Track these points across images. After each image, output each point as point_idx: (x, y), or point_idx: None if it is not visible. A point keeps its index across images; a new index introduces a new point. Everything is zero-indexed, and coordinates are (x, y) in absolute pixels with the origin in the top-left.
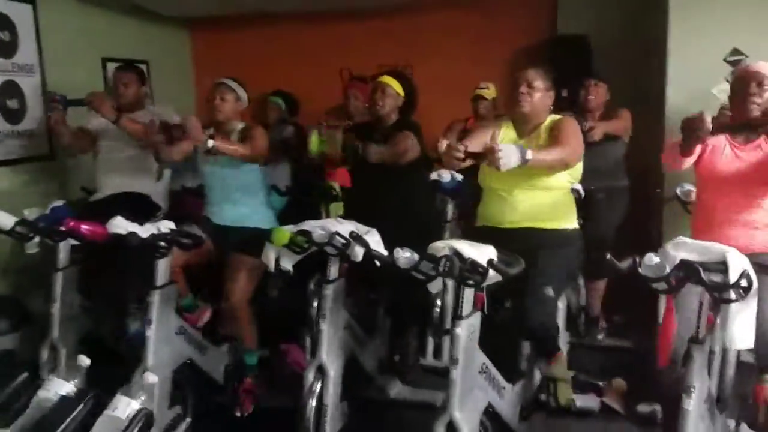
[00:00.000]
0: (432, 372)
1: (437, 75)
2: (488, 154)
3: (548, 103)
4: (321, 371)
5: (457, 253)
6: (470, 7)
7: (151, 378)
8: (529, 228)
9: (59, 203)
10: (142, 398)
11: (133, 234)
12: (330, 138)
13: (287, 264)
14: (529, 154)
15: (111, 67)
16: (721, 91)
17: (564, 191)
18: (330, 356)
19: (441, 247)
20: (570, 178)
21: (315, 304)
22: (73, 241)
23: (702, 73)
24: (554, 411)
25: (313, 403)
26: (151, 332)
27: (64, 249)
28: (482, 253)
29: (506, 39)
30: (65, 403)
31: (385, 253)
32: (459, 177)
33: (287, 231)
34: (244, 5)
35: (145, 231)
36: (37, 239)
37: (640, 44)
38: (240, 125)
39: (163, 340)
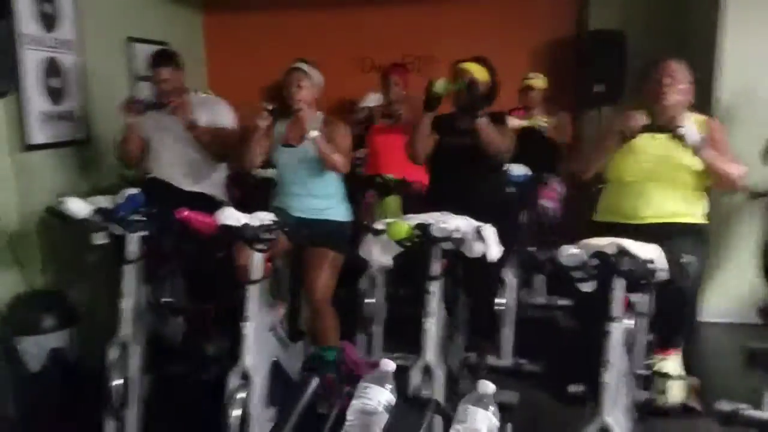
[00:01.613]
0: (496, 371)
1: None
2: (672, 125)
3: (689, 98)
4: (428, 371)
5: (624, 251)
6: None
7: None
8: (664, 223)
9: (134, 191)
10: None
11: (246, 225)
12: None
13: (386, 258)
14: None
15: (137, 47)
16: None
17: (698, 189)
18: (434, 356)
19: (603, 244)
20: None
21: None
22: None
23: (752, 72)
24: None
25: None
26: (248, 329)
27: (134, 241)
28: (648, 251)
29: (532, 31)
30: None
31: (500, 248)
32: (528, 171)
33: (405, 224)
34: None
35: (252, 222)
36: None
37: (673, 40)
38: (320, 116)
39: (258, 338)
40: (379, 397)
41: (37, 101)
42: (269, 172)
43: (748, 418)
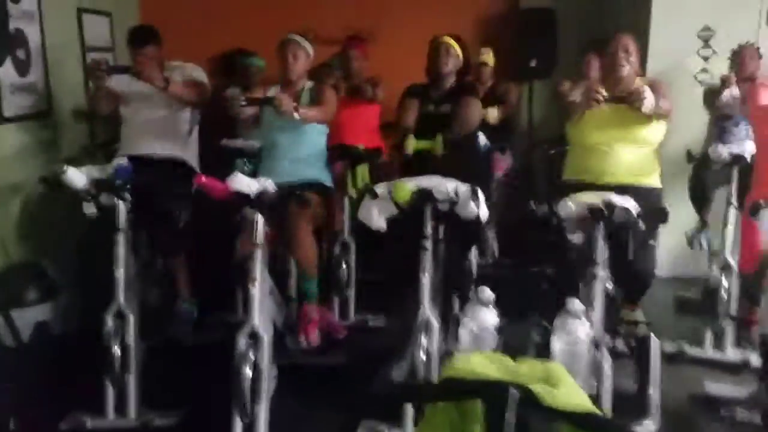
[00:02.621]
0: None
1: (400, 41)
2: (634, 95)
3: (637, 68)
4: (428, 326)
5: (610, 204)
6: None
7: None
8: (628, 184)
9: (123, 161)
10: None
11: (265, 191)
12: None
13: (381, 222)
14: (660, 101)
15: (86, 17)
16: (695, 64)
17: (655, 148)
18: (431, 309)
19: (589, 199)
20: (661, 135)
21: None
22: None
23: (679, 47)
24: None
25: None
26: (255, 290)
27: (124, 210)
28: (627, 202)
29: (469, 8)
30: None
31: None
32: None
33: (408, 185)
34: None
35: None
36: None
37: (601, 19)
38: (309, 84)
39: (263, 299)
40: (488, 317)
41: (8, 73)
42: (238, 143)
43: (692, 356)
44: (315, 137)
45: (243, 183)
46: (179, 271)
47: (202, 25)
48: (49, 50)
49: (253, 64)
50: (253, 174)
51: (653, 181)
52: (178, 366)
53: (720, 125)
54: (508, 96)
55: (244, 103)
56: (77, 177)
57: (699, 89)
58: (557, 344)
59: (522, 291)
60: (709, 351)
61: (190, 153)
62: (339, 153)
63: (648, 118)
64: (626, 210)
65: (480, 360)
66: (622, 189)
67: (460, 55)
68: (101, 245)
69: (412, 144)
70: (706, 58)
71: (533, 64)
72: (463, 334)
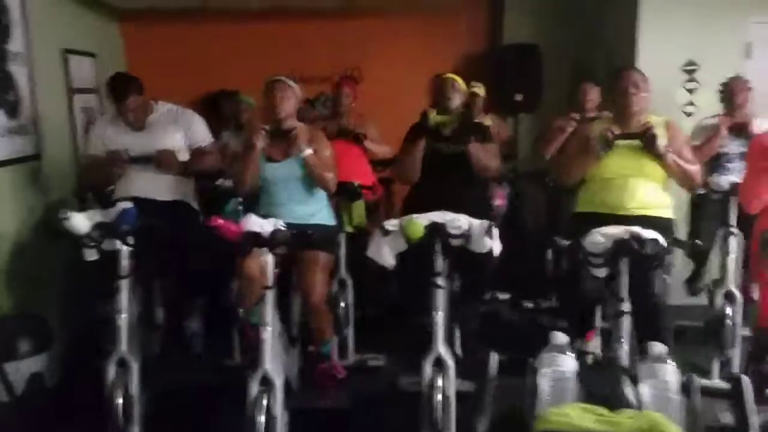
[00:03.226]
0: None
1: (384, 78)
2: (647, 134)
3: (649, 103)
4: (439, 363)
5: (638, 237)
6: (417, 14)
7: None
8: (644, 216)
9: (128, 205)
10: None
11: (279, 231)
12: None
13: (391, 259)
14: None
15: (71, 58)
16: (681, 97)
17: (665, 183)
18: (445, 347)
19: (616, 232)
20: None
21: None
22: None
23: (665, 80)
24: None
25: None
26: (267, 334)
27: (126, 255)
28: (652, 234)
29: (452, 45)
30: None
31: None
32: None
33: (420, 222)
34: None
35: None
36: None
37: (584, 53)
38: (304, 128)
39: (274, 343)
40: (567, 364)
41: None
42: (227, 184)
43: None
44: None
45: (257, 224)
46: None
47: (186, 66)
48: (36, 92)
49: (243, 102)
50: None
51: (668, 212)
52: (182, 414)
53: (714, 162)
54: (500, 128)
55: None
56: (81, 222)
57: (686, 121)
58: (646, 391)
59: (523, 329)
60: (716, 381)
61: (189, 193)
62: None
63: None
64: (656, 242)
65: (576, 412)
66: (639, 221)
67: (465, 90)
68: (100, 291)
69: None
70: (690, 91)
71: (518, 98)
72: (543, 383)
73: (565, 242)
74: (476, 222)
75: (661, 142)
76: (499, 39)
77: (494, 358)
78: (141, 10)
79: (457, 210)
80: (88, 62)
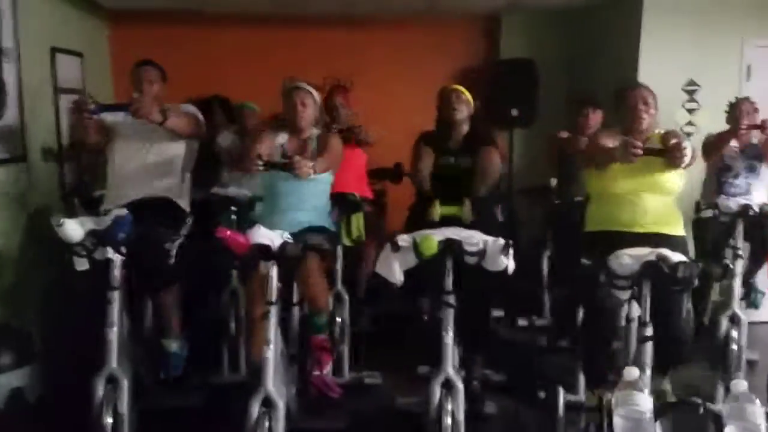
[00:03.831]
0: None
1: (378, 89)
2: (674, 149)
3: (655, 119)
4: (448, 385)
5: (663, 258)
6: (414, 27)
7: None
8: (659, 233)
9: (122, 212)
10: None
11: (288, 243)
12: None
13: (401, 276)
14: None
15: (59, 57)
16: (682, 117)
17: (677, 198)
18: (454, 369)
19: (643, 253)
20: (683, 182)
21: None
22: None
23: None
24: None
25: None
26: (270, 353)
27: (118, 265)
28: (679, 256)
29: (448, 59)
30: None
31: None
32: None
33: (435, 239)
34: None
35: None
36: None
37: (580, 68)
38: (316, 132)
39: (277, 362)
40: (643, 402)
41: None
42: (230, 191)
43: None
44: (321, 187)
45: (265, 236)
46: (168, 307)
47: (176, 70)
48: (24, 91)
49: (247, 108)
50: (242, 227)
51: (679, 229)
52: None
53: (720, 178)
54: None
55: (262, 167)
56: (75, 230)
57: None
58: None
59: (520, 349)
60: (720, 404)
61: (183, 199)
62: (333, 202)
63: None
64: (687, 265)
65: None
66: (652, 238)
67: (471, 101)
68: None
69: (437, 210)
70: (690, 111)
71: (515, 113)
72: (619, 425)
73: (587, 262)
74: (492, 240)
75: (687, 159)
76: (496, 54)
77: (560, 394)
78: (130, 11)
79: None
80: (76, 62)
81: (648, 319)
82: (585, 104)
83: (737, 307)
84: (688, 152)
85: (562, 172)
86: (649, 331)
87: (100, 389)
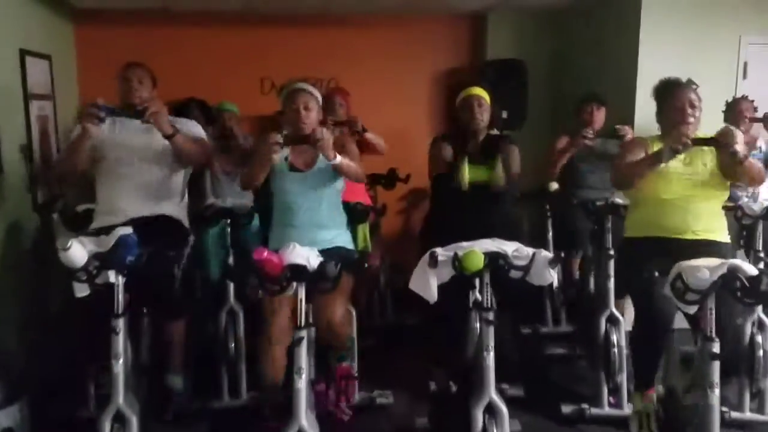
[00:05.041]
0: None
1: (360, 90)
2: (728, 138)
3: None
4: (491, 410)
5: (738, 269)
6: (396, 26)
7: None
8: (710, 240)
9: (127, 231)
10: None
11: (325, 263)
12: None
13: (435, 292)
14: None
15: (28, 61)
16: None
17: (722, 203)
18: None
19: (714, 264)
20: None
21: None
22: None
23: None
24: None
25: None
26: (302, 383)
27: (122, 290)
28: (750, 267)
29: (431, 60)
30: None
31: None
32: None
33: (480, 253)
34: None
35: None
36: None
37: (572, 69)
38: (326, 131)
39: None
40: None
41: None
42: (228, 202)
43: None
44: (335, 197)
45: (300, 255)
46: (176, 342)
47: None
48: None
49: (227, 110)
50: (236, 239)
51: (725, 236)
52: None
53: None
54: None
55: (281, 144)
56: (79, 254)
57: None
58: None
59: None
60: (747, 413)
61: (184, 217)
62: None
63: (720, 173)
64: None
65: None
66: (702, 245)
67: (490, 104)
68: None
69: (466, 174)
70: None
71: (504, 115)
72: None
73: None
74: (539, 252)
75: (740, 148)
76: (482, 54)
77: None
78: (98, 10)
79: (489, 235)
80: (45, 65)
81: (713, 334)
82: (589, 101)
83: (762, 312)
84: (740, 139)
85: (566, 177)
86: (716, 348)
87: (107, 429)
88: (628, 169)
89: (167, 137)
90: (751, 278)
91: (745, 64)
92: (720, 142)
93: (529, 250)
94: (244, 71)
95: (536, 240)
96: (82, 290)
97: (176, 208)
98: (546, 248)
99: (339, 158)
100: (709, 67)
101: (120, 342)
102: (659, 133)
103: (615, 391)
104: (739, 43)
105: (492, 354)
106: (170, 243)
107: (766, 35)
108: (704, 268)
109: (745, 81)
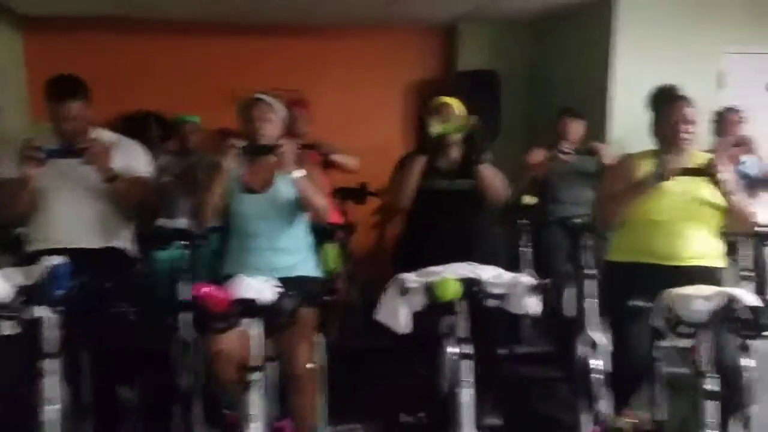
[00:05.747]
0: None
1: (328, 102)
2: (717, 167)
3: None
4: None
5: (734, 300)
6: (367, 38)
7: None
8: (701, 266)
9: (59, 260)
10: None
11: (285, 296)
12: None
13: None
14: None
15: None
16: None
17: (719, 228)
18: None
19: (709, 294)
20: None
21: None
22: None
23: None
24: None
25: None
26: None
27: (54, 326)
28: (750, 297)
29: (402, 72)
30: None
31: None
32: None
33: (454, 280)
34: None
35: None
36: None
37: (546, 81)
38: (289, 143)
39: None
40: None
41: None
42: (179, 223)
43: None
44: (298, 219)
45: (251, 288)
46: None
47: (101, 82)
48: None
49: (189, 122)
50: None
51: (720, 260)
52: None
53: None
54: None
55: (241, 151)
56: (1, 288)
57: None
58: None
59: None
60: None
61: (128, 240)
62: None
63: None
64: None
65: None
66: (693, 272)
67: (466, 114)
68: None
69: (437, 125)
70: None
71: None
72: None
73: (647, 305)
74: (519, 278)
75: (731, 179)
76: (454, 65)
77: None
78: (48, 18)
79: (469, 257)
80: None
81: (707, 368)
82: (564, 113)
83: None
84: (729, 176)
85: (542, 193)
86: (713, 385)
87: None
88: (610, 204)
89: (107, 181)
90: (753, 309)
91: (722, 74)
92: (706, 172)
93: (509, 275)
94: (209, 83)
95: (513, 258)
96: (9, 328)
97: (122, 238)
98: (524, 266)
99: (302, 172)
100: (686, 77)
101: (53, 386)
102: (644, 147)
103: (598, 419)
104: (716, 53)
105: (470, 391)
106: (109, 274)
107: (742, 44)
108: (698, 299)
109: (723, 91)
